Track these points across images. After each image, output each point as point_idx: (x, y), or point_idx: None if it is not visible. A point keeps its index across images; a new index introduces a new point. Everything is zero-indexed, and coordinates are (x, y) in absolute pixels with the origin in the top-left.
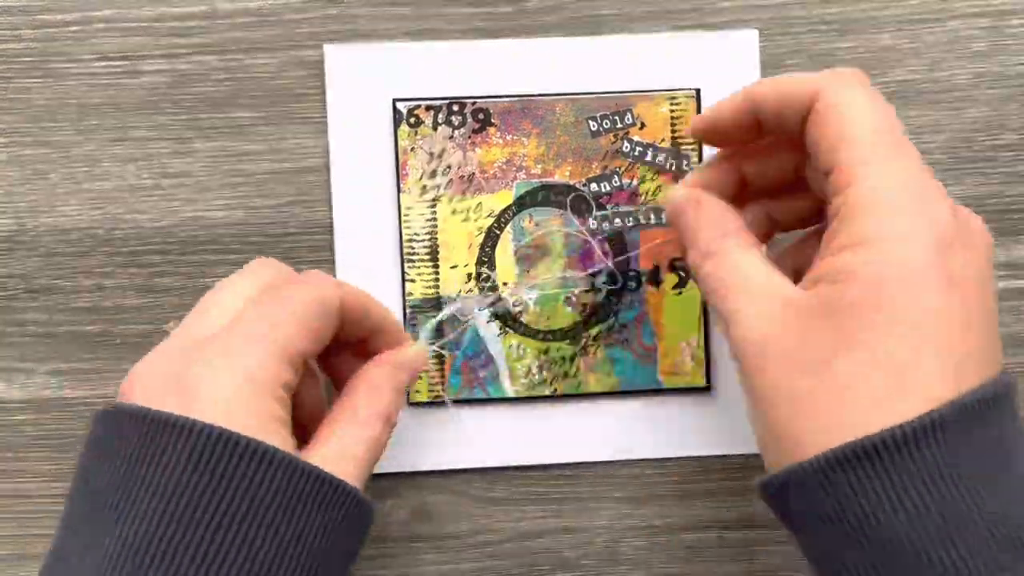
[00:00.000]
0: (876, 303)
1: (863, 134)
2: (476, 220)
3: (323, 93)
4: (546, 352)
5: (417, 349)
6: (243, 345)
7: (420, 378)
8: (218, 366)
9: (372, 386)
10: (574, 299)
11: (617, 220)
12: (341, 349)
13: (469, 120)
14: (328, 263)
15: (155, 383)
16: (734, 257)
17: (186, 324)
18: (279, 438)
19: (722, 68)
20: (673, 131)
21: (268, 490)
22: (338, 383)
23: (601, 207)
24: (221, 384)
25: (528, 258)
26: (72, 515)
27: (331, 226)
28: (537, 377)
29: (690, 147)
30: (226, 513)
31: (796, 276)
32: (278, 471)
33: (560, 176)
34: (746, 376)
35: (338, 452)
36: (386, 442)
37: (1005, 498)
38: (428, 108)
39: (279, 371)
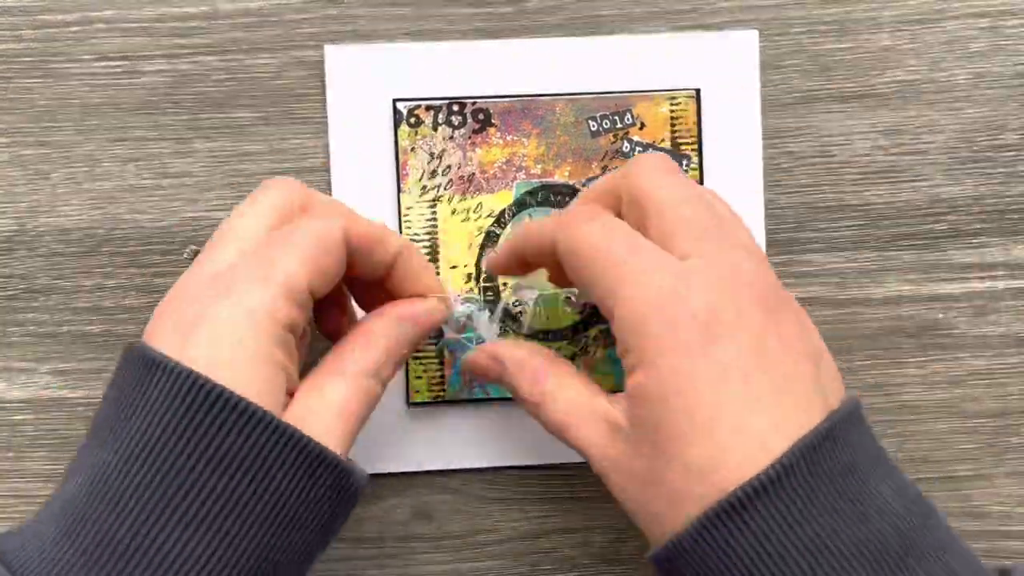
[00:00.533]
0: (665, 415)
1: (607, 254)
2: (476, 220)
3: (323, 93)
4: None
5: (430, 304)
6: (244, 283)
7: (420, 377)
8: (218, 305)
9: (366, 338)
10: (574, 299)
11: None
12: (377, 291)
13: (469, 120)
14: None
15: (163, 322)
16: (556, 399)
17: (203, 256)
18: (271, 384)
19: (722, 68)
20: (673, 131)
21: (243, 446)
22: None
23: None
24: (219, 325)
25: None
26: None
27: None
28: None
29: (690, 147)
30: (198, 460)
31: None
32: (255, 428)
33: (560, 176)
34: (613, 492)
35: (321, 406)
36: (378, 396)
37: (865, 519)
38: (428, 108)
39: (280, 309)
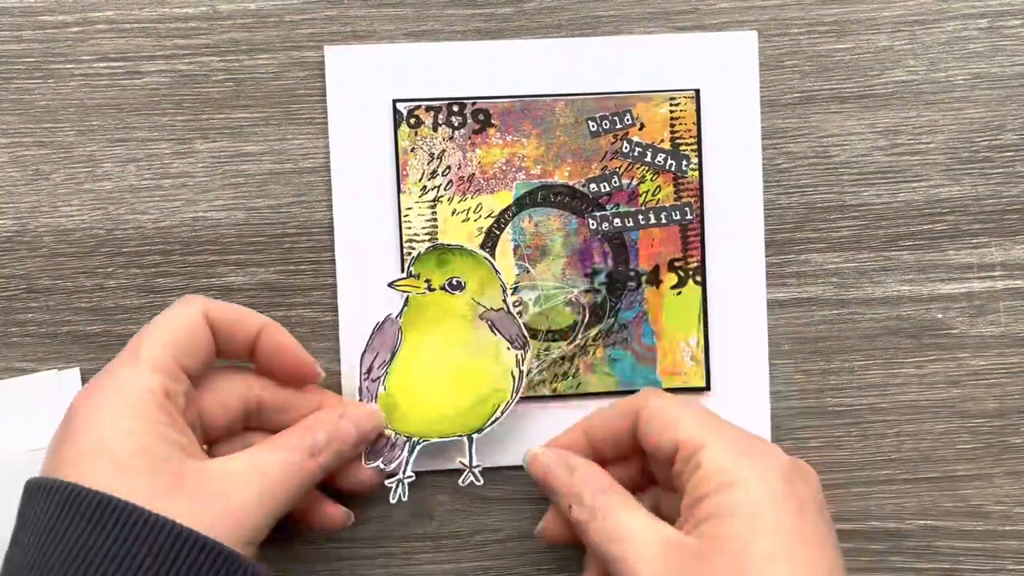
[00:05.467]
0: (755, 533)
1: (690, 418)
2: (476, 220)
3: (323, 94)
4: (546, 352)
5: (370, 408)
6: (115, 368)
7: None
8: (93, 393)
9: (305, 422)
10: (574, 299)
11: (616, 220)
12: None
13: (469, 121)
14: (328, 263)
15: (55, 432)
16: (619, 511)
17: None
18: (155, 452)
19: (721, 69)
20: (672, 132)
21: (112, 543)
22: None
23: (601, 207)
24: (95, 411)
25: (528, 258)
26: None
27: (331, 226)
28: (537, 377)
29: (689, 148)
30: (80, 567)
31: None
32: (123, 523)
33: (560, 177)
34: None
35: (246, 464)
36: (311, 477)
37: None
38: (428, 109)
39: (151, 377)
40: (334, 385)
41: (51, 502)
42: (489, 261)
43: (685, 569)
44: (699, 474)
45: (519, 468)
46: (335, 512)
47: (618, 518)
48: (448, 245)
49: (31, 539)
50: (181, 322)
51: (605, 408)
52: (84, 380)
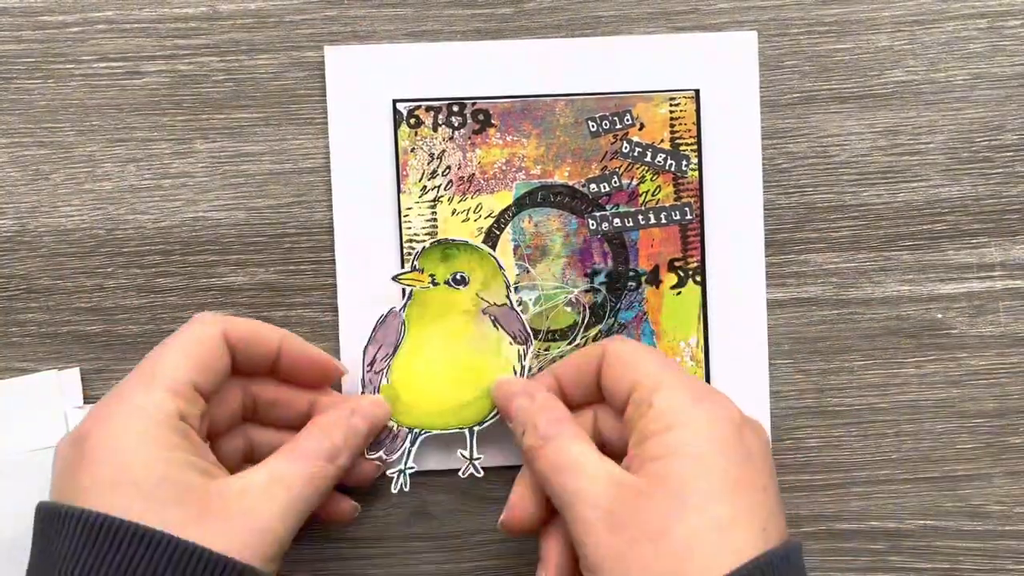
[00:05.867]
0: (699, 473)
1: (650, 362)
2: (476, 220)
3: (323, 94)
4: (546, 352)
5: (375, 399)
6: (129, 391)
7: None
8: (108, 418)
9: (319, 425)
10: (574, 299)
11: (616, 221)
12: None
13: (469, 121)
14: (328, 263)
15: (64, 455)
16: (570, 442)
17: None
18: (180, 475)
19: (721, 69)
20: (672, 132)
21: (150, 572)
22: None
23: (600, 207)
24: (112, 439)
25: (528, 258)
26: None
27: (331, 226)
28: None
29: (689, 148)
30: None
31: None
32: (160, 553)
33: (560, 177)
34: (589, 548)
35: (268, 479)
36: (331, 482)
37: None
38: (428, 109)
39: (168, 402)
40: (335, 385)
41: (79, 531)
42: (494, 257)
43: (628, 505)
44: (650, 414)
45: (520, 468)
46: (344, 506)
47: (569, 449)
48: (453, 240)
49: (57, 568)
50: (199, 343)
51: (576, 352)
52: (84, 380)
